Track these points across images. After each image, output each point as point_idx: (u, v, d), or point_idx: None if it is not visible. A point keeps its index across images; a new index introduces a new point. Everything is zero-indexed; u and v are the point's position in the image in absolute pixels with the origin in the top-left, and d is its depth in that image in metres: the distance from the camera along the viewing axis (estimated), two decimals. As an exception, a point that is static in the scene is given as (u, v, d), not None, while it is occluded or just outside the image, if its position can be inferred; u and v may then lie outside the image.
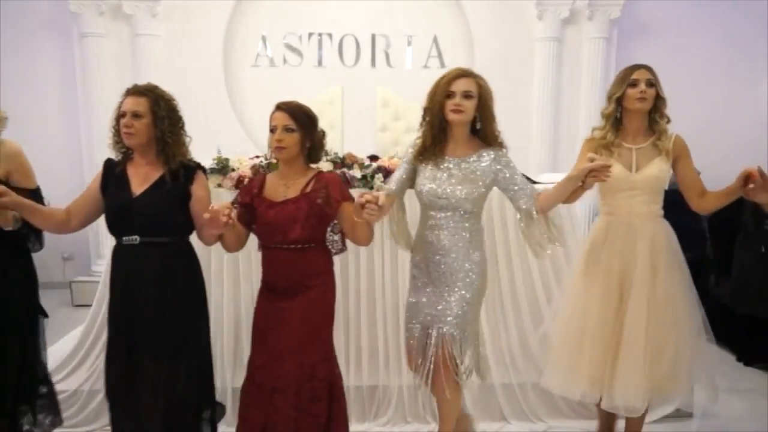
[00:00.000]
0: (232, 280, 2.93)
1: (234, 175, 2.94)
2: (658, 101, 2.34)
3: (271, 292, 2.19)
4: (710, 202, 2.30)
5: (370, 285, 2.98)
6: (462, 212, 2.21)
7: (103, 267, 3.54)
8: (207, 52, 5.12)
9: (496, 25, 5.24)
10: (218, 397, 2.85)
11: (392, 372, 2.93)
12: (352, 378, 2.92)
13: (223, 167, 3.00)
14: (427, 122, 2.23)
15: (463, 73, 2.18)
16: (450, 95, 2.15)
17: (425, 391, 2.77)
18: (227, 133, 4.48)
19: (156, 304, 2.10)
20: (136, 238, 2.08)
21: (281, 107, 2.17)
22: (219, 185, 2.94)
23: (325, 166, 3.03)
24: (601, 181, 2.09)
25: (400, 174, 2.28)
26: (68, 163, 5.20)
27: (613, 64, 5.26)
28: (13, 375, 2.18)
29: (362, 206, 1.92)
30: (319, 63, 5.31)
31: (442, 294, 2.23)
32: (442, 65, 5.32)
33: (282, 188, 2.17)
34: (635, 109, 2.32)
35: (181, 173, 2.13)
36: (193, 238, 2.23)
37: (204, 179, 2.19)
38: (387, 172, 2.97)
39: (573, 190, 2.16)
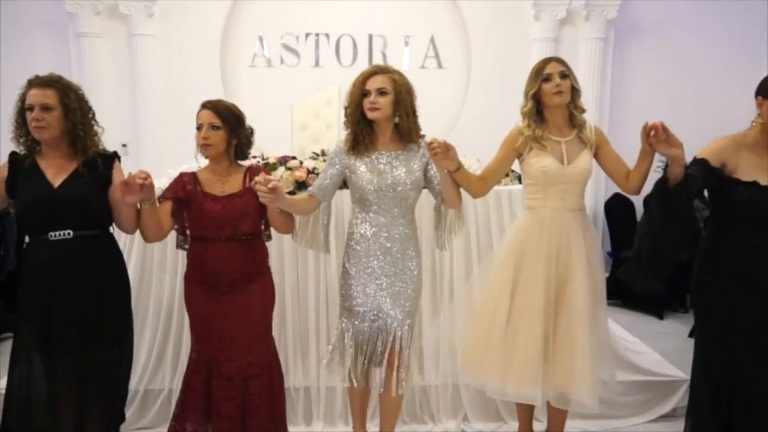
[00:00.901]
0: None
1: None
2: (574, 93, 2.30)
3: (211, 288, 2.19)
4: (634, 178, 2.28)
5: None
6: (406, 204, 2.26)
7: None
8: (204, 52, 5.11)
9: (493, 25, 5.24)
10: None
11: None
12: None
13: (219, 167, 2.99)
14: (348, 121, 2.26)
15: (378, 71, 2.22)
16: (366, 93, 2.19)
17: (421, 391, 2.77)
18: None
19: (95, 297, 2.08)
20: (69, 233, 2.04)
21: (207, 105, 2.21)
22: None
23: (321, 166, 3.03)
24: (442, 159, 2.08)
25: (328, 175, 2.29)
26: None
27: (610, 64, 5.27)
28: None
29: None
30: (316, 63, 5.31)
31: (389, 290, 2.25)
32: (440, 65, 5.32)
33: (219, 184, 2.21)
34: (554, 103, 2.27)
35: (99, 162, 2.11)
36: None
37: (120, 167, 2.19)
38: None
39: (449, 177, 2.18)
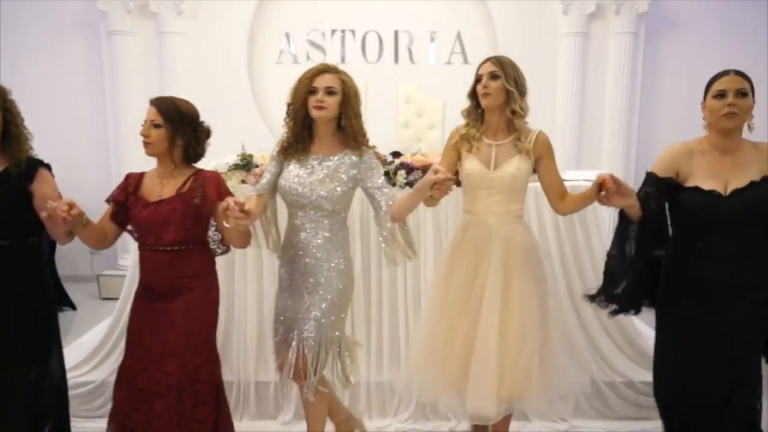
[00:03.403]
0: (255, 276, 2.95)
1: (258, 171, 2.96)
2: (509, 95, 2.16)
3: (148, 294, 2.09)
4: (568, 205, 2.20)
5: (391, 282, 2.98)
6: (322, 212, 2.15)
7: (129, 261, 3.60)
8: (231, 49, 5.17)
9: (520, 20, 5.18)
10: (240, 392, 2.89)
11: (413, 368, 2.93)
12: (373, 374, 2.92)
13: (246, 163, 3.03)
14: (290, 118, 2.17)
15: (327, 69, 2.14)
16: (313, 91, 2.11)
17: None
18: (251, 130, 4.52)
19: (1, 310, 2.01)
20: None
21: (153, 102, 2.09)
22: (243, 181, 2.96)
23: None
24: (443, 194, 1.97)
25: (270, 172, 2.21)
26: (96, 158, 5.31)
27: (641, 59, 5.17)
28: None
29: (225, 212, 1.86)
30: (342, 59, 5.31)
31: (302, 297, 2.17)
32: (466, 61, 5.29)
33: (158, 187, 2.08)
34: (484, 105, 2.19)
35: (24, 169, 2.05)
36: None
37: (48, 176, 2.11)
38: (409, 169, 2.97)
39: (423, 199, 2.09)
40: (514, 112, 2.17)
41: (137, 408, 2.03)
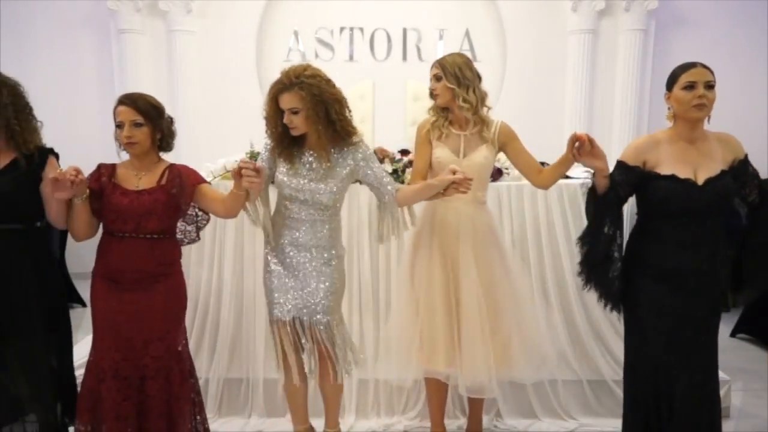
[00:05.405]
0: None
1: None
2: (454, 92, 2.30)
3: (114, 284, 2.11)
4: (547, 177, 2.35)
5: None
6: (320, 207, 2.20)
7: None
8: (240, 47, 5.19)
9: (529, 17, 5.17)
10: (249, 389, 2.90)
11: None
12: (381, 371, 2.92)
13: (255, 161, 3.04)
14: (269, 129, 2.22)
15: (284, 87, 2.10)
16: (282, 110, 2.14)
17: (453, 387, 2.75)
18: (259, 128, 4.51)
19: (16, 290, 2.09)
20: None
21: (125, 102, 2.10)
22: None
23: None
24: (461, 193, 2.14)
25: (265, 162, 2.27)
26: (105, 156, 5.22)
27: (651, 56, 5.15)
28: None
29: (239, 174, 1.97)
30: (351, 57, 5.32)
31: (305, 286, 2.24)
32: (475, 59, 5.27)
33: (134, 178, 2.14)
34: (437, 104, 2.37)
35: (36, 157, 2.13)
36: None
37: (55, 163, 2.18)
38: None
39: (433, 195, 2.22)
40: (460, 108, 2.31)
41: (127, 395, 2.11)
